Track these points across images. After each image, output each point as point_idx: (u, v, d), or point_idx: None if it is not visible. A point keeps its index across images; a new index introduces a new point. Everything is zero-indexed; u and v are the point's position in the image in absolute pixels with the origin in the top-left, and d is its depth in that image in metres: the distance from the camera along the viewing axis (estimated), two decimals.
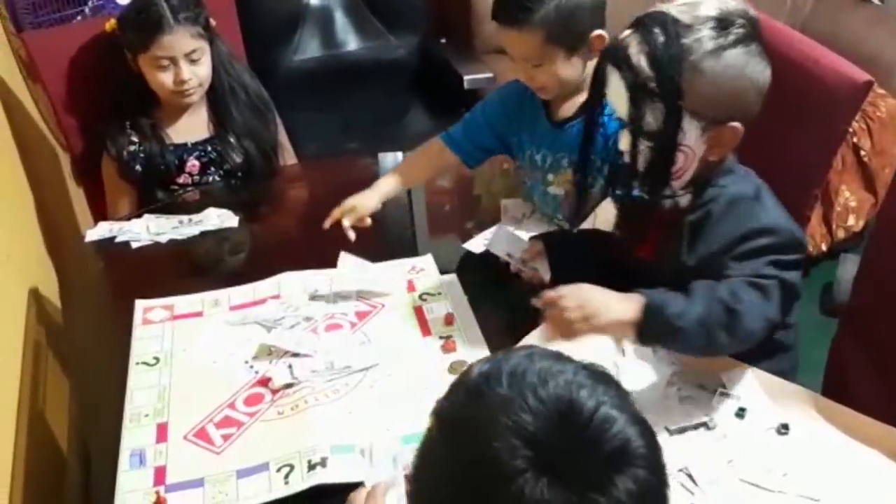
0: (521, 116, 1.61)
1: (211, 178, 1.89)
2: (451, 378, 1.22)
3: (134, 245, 1.66)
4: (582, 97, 1.49)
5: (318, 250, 1.60)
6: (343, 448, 1.17)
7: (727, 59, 1.13)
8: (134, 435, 1.22)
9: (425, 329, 1.39)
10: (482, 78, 2.53)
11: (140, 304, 1.49)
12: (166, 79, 1.77)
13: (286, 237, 1.75)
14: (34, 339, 1.58)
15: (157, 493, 1.12)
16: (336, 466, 1.13)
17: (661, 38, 1.12)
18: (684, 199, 1.24)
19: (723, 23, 1.13)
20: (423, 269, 1.54)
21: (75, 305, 1.65)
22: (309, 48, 2.78)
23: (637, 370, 1.23)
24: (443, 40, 2.83)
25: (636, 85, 1.14)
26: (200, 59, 1.78)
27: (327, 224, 1.57)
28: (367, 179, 1.94)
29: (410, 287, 1.49)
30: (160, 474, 1.16)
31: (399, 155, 2.05)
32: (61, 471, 1.41)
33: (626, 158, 1.21)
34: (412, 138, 2.59)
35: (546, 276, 1.40)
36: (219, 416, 1.25)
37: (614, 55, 1.17)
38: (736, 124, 1.16)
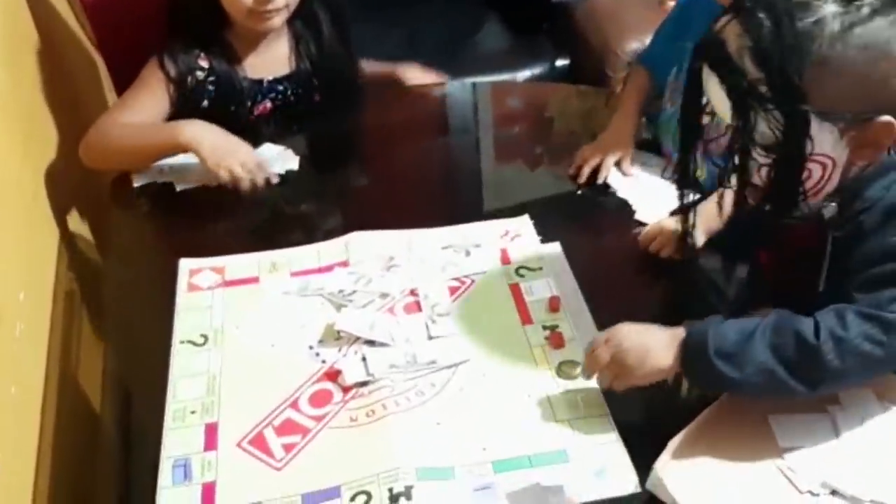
0: (696, 22, 1.32)
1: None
2: (561, 384, 1.04)
3: (178, 188, 1.43)
4: None
5: (394, 203, 1.36)
6: (431, 472, 0.95)
7: (863, 38, 0.86)
8: (178, 439, 1.01)
9: (525, 315, 1.15)
10: None
11: (185, 265, 1.26)
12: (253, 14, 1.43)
13: (356, 185, 1.50)
14: (65, 290, 1.38)
15: None
16: (424, 497, 0.92)
17: (769, 26, 0.86)
18: (828, 210, 0.96)
19: None
20: (518, 235, 1.29)
21: (113, 255, 1.43)
22: None
23: None
24: None
25: (741, 90, 0.88)
26: None
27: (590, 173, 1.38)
28: (437, 112, 1.71)
29: (505, 258, 1.25)
30: (208, 495, 0.95)
31: (468, 83, 1.80)
32: (94, 433, 1.21)
33: (736, 177, 0.95)
34: (484, 59, 2.31)
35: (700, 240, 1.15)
36: (279, 418, 1.03)
37: (709, 53, 0.91)
38: (887, 118, 0.88)
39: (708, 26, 0.93)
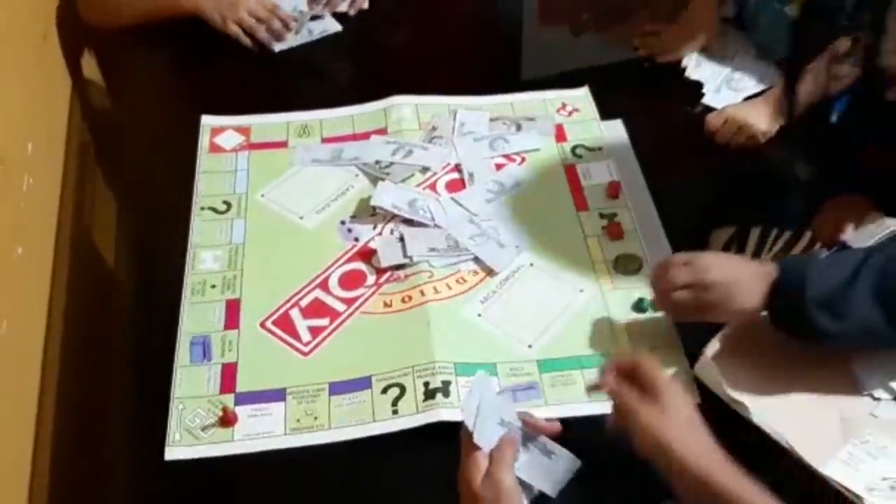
0: None
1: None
2: (618, 280, 0.94)
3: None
4: None
5: (438, 66, 1.23)
6: (471, 367, 0.86)
7: None
8: (197, 314, 0.93)
9: (580, 201, 1.04)
10: None
11: (207, 122, 1.16)
12: None
13: (397, 45, 1.35)
14: (78, 142, 1.28)
15: (225, 407, 0.84)
16: (462, 395, 0.84)
17: None
18: None
19: None
20: (576, 109, 1.16)
21: (130, 106, 1.31)
22: None
23: None
24: None
25: None
26: None
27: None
28: None
29: (560, 135, 1.12)
30: (229, 375, 0.88)
31: None
32: (107, 299, 1.14)
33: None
34: None
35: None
36: (306, 298, 0.94)
37: None
38: None
39: None
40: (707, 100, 1.17)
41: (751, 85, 1.16)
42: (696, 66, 1.21)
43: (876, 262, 0.76)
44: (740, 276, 0.80)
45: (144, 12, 1.30)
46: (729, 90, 1.16)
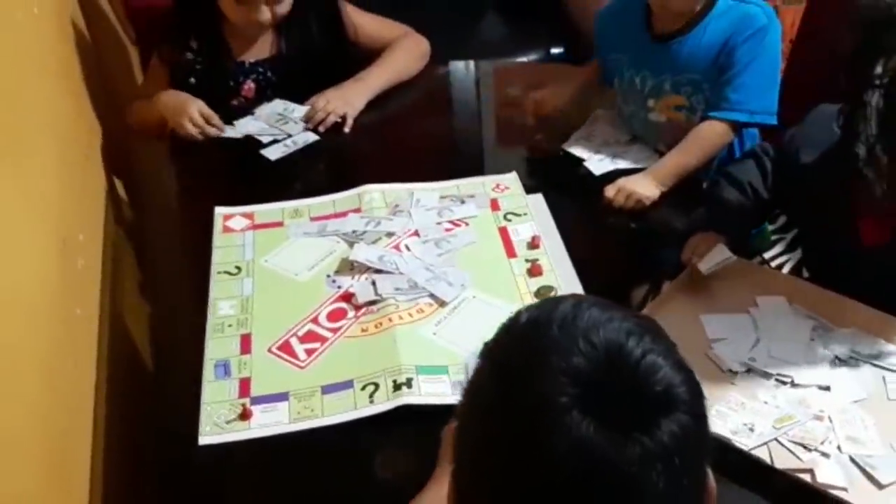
0: (618, 33, 1.52)
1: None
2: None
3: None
4: (693, 5, 1.41)
5: (402, 166, 1.56)
6: (428, 369, 1.15)
7: None
8: (218, 345, 1.22)
9: (510, 251, 1.35)
10: None
11: (220, 212, 1.47)
12: (240, 12, 1.63)
13: (366, 149, 1.70)
14: (113, 240, 1.59)
15: (244, 405, 1.12)
16: (422, 388, 1.12)
17: None
18: None
19: None
20: (507, 188, 1.49)
21: (156, 202, 1.64)
22: None
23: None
24: None
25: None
26: None
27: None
28: (441, 90, 1.90)
29: (494, 206, 1.45)
30: (245, 386, 1.16)
31: (471, 63, 1.98)
32: (140, 374, 1.42)
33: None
34: (487, 45, 2.51)
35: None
36: (302, 329, 1.24)
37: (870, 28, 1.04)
38: None
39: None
40: (589, 166, 1.50)
41: (629, 162, 1.50)
42: (581, 150, 1.54)
43: None
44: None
45: (149, 123, 1.69)
46: (611, 164, 1.50)
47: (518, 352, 0.64)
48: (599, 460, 0.57)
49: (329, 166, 1.65)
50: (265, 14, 1.63)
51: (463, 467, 0.66)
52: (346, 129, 1.67)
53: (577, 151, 1.54)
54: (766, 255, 1.39)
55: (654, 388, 0.60)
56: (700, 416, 0.62)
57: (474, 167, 1.59)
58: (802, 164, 1.21)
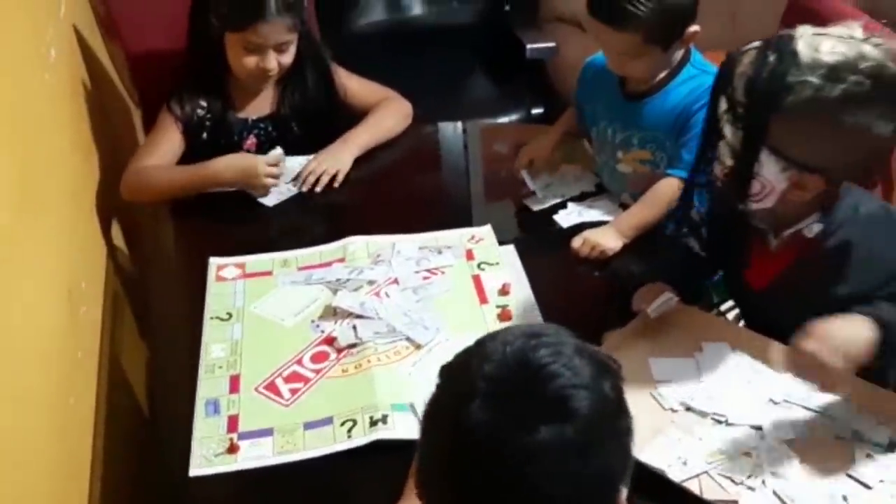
0: (597, 85, 1.65)
1: None
2: None
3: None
4: (649, 75, 1.54)
5: (383, 219, 1.67)
6: (403, 407, 1.24)
7: (825, 111, 1.04)
8: (209, 385, 1.31)
9: (482, 297, 1.45)
10: (544, 48, 2.56)
11: (214, 262, 1.58)
12: (249, 62, 1.72)
13: (353, 203, 1.80)
14: (112, 292, 1.69)
15: (232, 440, 1.21)
16: (396, 424, 1.21)
17: (770, 68, 1.05)
18: (814, 228, 1.17)
19: (835, 73, 1.03)
20: (481, 239, 1.60)
21: (150, 261, 1.74)
22: (374, 11, 2.83)
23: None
24: (507, 7, 2.86)
25: (730, 104, 1.10)
26: (288, 49, 1.73)
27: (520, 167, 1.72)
28: (429, 148, 2.02)
29: (469, 256, 1.56)
30: (233, 422, 1.25)
31: (459, 125, 2.10)
32: (136, 411, 1.52)
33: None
34: (473, 105, 2.65)
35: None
36: (287, 371, 1.33)
37: (723, 68, 1.12)
38: (820, 179, 1.10)
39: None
40: (557, 218, 1.63)
41: (594, 215, 1.62)
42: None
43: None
44: (838, 322, 1.08)
45: (181, 189, 1.74)
46: (578, 217, 1.62)
47: (458, 360, 0.81)
48: (488, 440, 0.71)
49: (318, 218, 1.76)
50: (272, 62, 1.73)
51: (419, 461, 0.80)
52: (336, 185, 1.78)
53: (547, 205, 1.67)
54: (723, 308, 1.49)
55: (548, 394, 0.72)
56: (591, 433, 0.72)
57: (455, 220, 1.69)
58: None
